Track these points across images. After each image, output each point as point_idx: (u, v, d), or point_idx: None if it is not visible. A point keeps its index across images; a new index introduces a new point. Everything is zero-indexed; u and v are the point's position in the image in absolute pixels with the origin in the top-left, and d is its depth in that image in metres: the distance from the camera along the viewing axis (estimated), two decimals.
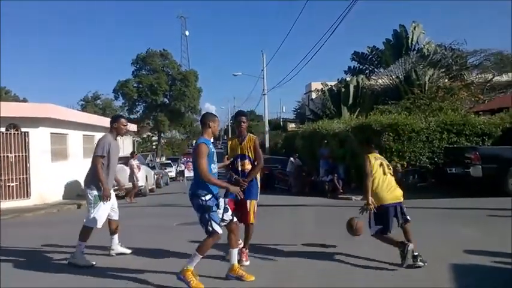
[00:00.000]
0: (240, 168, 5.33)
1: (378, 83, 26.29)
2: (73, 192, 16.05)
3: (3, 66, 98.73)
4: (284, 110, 58.81)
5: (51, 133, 15.57)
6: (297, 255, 5.69)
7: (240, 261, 5.17)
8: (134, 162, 16.00)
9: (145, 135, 50.10)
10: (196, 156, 4.49)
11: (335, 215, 9.82)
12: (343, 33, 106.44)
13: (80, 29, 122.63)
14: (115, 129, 5.89)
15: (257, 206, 5.52)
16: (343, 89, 25.30)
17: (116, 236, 6.00)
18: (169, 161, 35.27)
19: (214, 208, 4.52)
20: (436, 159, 13.87)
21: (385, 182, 5.28)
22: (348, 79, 26.69)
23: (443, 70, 24.05)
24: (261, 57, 30.88)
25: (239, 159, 5.35)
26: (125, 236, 6.34)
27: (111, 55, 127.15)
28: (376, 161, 5.37)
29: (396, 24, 33.11)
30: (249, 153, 5.38)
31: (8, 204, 13.89)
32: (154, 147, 50.72)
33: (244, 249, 5.37)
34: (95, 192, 5.62)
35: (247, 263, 5.28)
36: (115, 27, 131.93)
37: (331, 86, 27.80)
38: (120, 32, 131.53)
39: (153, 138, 54.51)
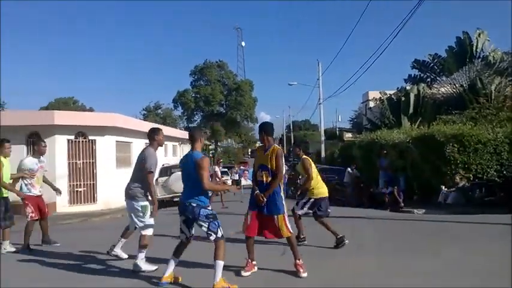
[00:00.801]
0: (259, 179, 5.38)
1: (440, 92, 25.24)
2: None
3: (72, 77, 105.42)
4: (340, 119, 57.89)
5: (117, 141, 16.35)
6: (353, 264, 5.58)
7: (297, 272, 5.21)
8: (218, 169, 16.28)
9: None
10: (201, 169, 4.74)
11: (396, 229, 9.52)
12: (401, 41, 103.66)
13: (143, 41, 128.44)
14: (156, 142, 5.92)
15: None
16: (402, 98, 24.53)
17: (124, 241, 6.30)
18: (226, 169, 35.74)
19: (216, 216, 4.94)
20: (504, 172, 13.07)
21: (319, 180, 7.13)
22: (408, 88, 25.85)
23: (510, 78, 22.70)
24: (316, 66, 30.77)
25: (260, 170, 5.40)
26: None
27: (172, 66, 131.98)
28: (311, 163, 6.90)
29: (459, 31, 31.79)
30: (270, 165, 5.34)
31: (76, 208, 14.72)
32: (211, 155, 51.75)
33: (297, 261, 5.30)
34: (143, 203, 5.71)
35: (305, 274, 5.21)
36: (177, 39, 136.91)
37: (390, 94, 27.06)
38: (180, 43, 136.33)
39: (210, 146, 55.68)
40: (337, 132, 47.59)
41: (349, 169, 16.64)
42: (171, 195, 16.79)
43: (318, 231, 8.79)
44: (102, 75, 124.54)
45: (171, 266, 4.97)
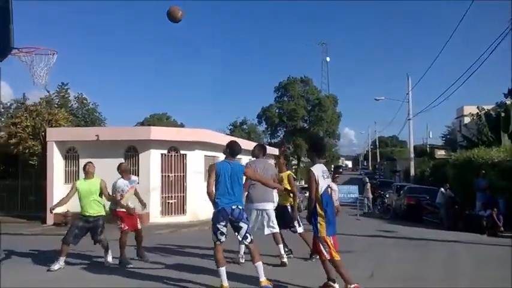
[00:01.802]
0: None
1: None
2: None
3: (166, 94, 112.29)
4: (431, 135, 54.61)
5: (205, 155, 17.00)
6: None
7: None
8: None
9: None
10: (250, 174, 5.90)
11: (495, 254, 8.78)
12: (501, 53, 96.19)
13: (232, 60, 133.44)
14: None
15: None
16: (502, 114, 22.71)
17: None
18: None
19: None
20: None
21: None
22: (508, 102, 23.90)
23: None
24: (406, 81, 29.62)
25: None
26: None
27: (259, 83, 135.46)
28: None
29: None
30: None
31: (167, 219, 15.49)
32: (293, 170, 51.81)
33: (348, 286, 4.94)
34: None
35: None
36: (265, 56, 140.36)
37: (488, 110, 25.17)
38: (268, 60, 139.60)
39: (293, 162, 55.75)
40: (428, 149, 45.12)
41: (442, 189, 15.68)
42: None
43: (408, 256, 8.38)
44: (194, 93, 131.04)
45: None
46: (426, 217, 16.87)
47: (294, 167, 54.72)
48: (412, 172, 29.33)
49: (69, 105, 22.91)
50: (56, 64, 9.08)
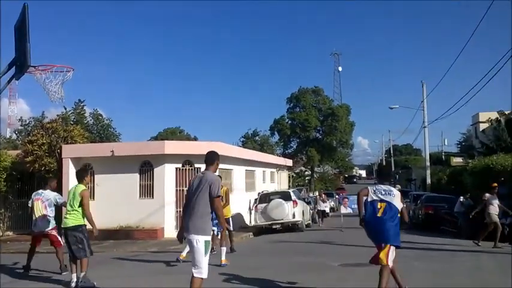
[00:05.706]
0: None
1: None
2: (236, 224, 17.05)
3: (179, 108, 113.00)
4: (446, 143, 53.90)
5: (220, 169, 16.93)
6: None
7: None
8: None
9: (298, 170, 51.20)
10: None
11: None
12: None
13: (242, 73, 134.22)
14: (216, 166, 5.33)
15: None
16: None
17: None
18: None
19: None
20: None
21: None
22: None
23: None
24: (420, 88, 29.36)
25: None
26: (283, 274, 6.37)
27: (271, 95, 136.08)
28: None
29: None
30: None
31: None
32: (307, 181, 51.44)
33: None
34: (207, 238, 4.93)
35: None
36: (276, 67, 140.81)
37: (508, 114, 24.76)
38: (280, 72, 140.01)
39: (306, 173, 55.45)
40: (444, 156, 44.53)
41: (461, 198, 15.35)
42: (270, 222, 16.85)
43: (430, 267, 8.17)
44: (205, 106, 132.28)
45: None
46: (444, 226, 16.54)
47: (307, 177, 54.41)
48: (429, 180, 28.93)
49: (85, 121, 23.08)
50: (73, 81, 9.09)
